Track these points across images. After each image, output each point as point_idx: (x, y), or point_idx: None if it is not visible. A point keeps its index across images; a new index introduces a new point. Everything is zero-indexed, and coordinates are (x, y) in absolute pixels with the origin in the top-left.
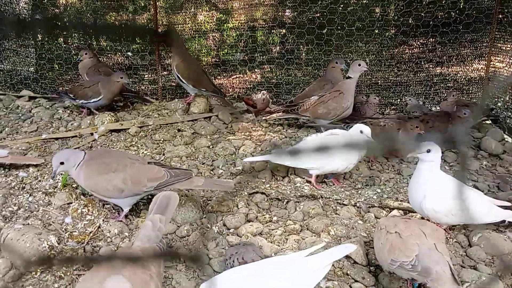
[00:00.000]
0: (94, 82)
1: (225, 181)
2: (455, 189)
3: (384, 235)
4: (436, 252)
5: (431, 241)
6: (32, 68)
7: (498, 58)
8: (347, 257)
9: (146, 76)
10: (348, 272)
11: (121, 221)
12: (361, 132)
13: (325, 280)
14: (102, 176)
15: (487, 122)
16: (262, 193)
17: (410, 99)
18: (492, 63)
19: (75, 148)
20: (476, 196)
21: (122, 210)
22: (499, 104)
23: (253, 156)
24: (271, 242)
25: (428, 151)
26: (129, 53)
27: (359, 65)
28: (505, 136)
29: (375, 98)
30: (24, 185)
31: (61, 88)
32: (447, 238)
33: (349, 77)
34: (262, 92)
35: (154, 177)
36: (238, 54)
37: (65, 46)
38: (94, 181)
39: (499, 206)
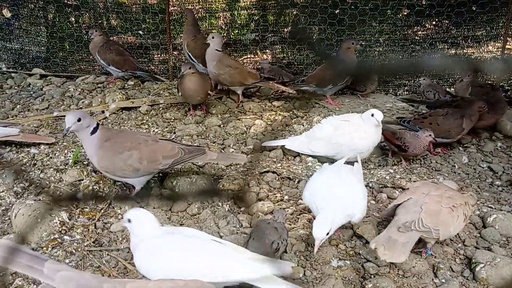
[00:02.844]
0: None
1: (239, 155)
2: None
3: None
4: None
5: None
6: (43, 47)
7: None
8: (359, 236)
9: (156, 55)
10: (360, 251)
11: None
12: (372, 115)
13: (337, 260)
14: (117, 156)
15: None
16: (273, 172)
17: (424, 79)
18: (508, 44)
19: None
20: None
21: (134, 188)
22: None
23: (264, 135)
24: None
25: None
26: (140, 32)
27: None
28: None
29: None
30: (35, 161)
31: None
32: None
33: None
34: (427, 129)
35: (169, 154)
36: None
37: (76, 25)
38: (109, 161)
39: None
